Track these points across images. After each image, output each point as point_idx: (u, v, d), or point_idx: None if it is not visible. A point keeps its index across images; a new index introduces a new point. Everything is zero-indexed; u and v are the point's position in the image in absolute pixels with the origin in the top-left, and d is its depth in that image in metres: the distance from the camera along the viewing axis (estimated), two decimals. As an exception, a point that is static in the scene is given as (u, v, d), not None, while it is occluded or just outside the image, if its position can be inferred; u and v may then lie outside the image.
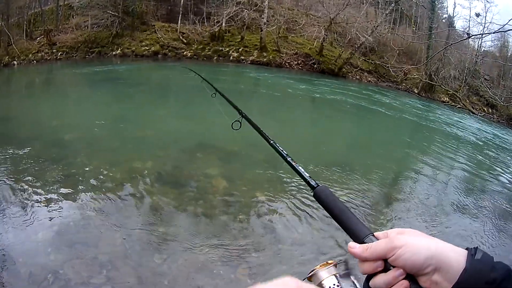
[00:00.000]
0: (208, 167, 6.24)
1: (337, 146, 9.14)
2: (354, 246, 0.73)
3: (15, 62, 18.64)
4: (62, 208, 4.43)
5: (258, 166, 6.39)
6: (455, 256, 0.64)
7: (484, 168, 9.68)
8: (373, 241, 0.73)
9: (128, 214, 4.46)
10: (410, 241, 0.67)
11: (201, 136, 8.08)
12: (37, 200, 4.57)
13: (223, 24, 24.60)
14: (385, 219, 5.35)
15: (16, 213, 4.26)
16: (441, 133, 13.88)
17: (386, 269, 0.68)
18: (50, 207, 4.42)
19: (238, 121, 1.89)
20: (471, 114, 24.43)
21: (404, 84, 27.08)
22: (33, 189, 4.83)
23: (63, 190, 4.86)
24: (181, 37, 23.85)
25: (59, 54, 20.36)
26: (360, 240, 0.74)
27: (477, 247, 0.66)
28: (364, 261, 0.71)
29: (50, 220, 4.14)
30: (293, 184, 5.79)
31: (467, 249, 0.66)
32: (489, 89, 26.13)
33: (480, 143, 13.97)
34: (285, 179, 5.94)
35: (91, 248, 3.75)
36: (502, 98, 25.00)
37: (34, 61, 19.49)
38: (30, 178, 5.15)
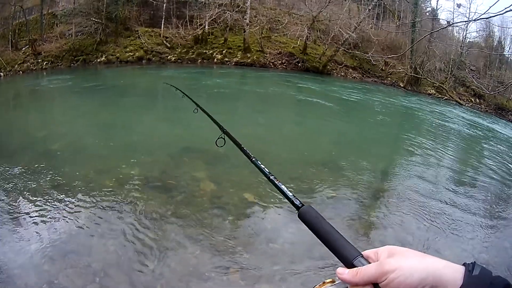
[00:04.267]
0: (195, 170, 6.37)
1: (323, 145, 9.20)
2: (343, 272, 0.72)
3: (1, 74, 18.90)
4: (53, 218, 4.50)
5: (245, 167, 6.28)
6: (451, 273, 0.64)
7: (476, 159, 9.96)
8: (362, 264, 0.72)
9: (119, 221, 4.52)
10: (402, 264, 0.66)
11: (187, 140, 8.21)
12: (29, 212, 4.64)
13: (206, 27, 24.98)
14: (376, 218, 5.34)
15: (8, 226, 4.35)
16: (429, 126, 14.01)
17: None
18: (42, 218, 4.49)
19: (222, 137, 1.93)
20: (459, 105, 24.57)
21: (389, 78, 27.30)
22: (24, 201, 4.91)
23: (53, 201, 4.92)
24: (164, 42, 24.24)
25: (44, 63, 20.58)
26: (349, 263, 0.74)
27: (474, 262, 0.65)
28: (355, 285, 0.71)
29: (42, 232, 4.22)
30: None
31: (464, 264, 0.65)
32: (476, 79, 26.16)
33: (469, 133, 14.21)
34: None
35: (84, 257, 3.83)
36: (489, 88, 25.09)
37: (20, 71, 19.74)
38: (20, 190, 5.22)
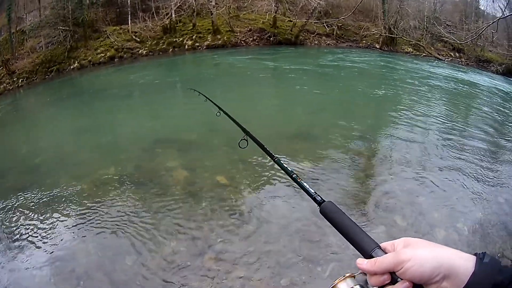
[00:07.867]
0: (168, 160, 6.38)
1: (301, 116, 9.13)
2: (362, 262, 0.77)
3: (-21, 100, 19.16)
4: (39, 232, 4.65)
5: (218, 150, 6.39)
6: (462, 262, 0.68)
7: (463, 113, 10.02)
8: (379, 254, 0.77)
9: (97, 223, 4.64)
10: (416, 254, 0.71)
11: (159, 131, 8.36)
12: (16, 230, 4.80)
13: (173, 15, 25.14)
14: (361, 184, 5.33)
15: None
16: (410, 84, 13.89)
17: (394, 281, 0.73)
18: (28, 234, 4.65)
19: (245, 139, 1.91)
20: (438, 60, 24.49)
21: (364, 41, 27.19)
22: (11, 219, 5.09)
23: (37, 215, 5.08)
24: (134, 37, 24.65)
25: (20, 81, 21.52)
26: (367, 254, 0.79)
27: (485, 252, 0.69)
28: (373, 274, 0.76)
29: (29, 246, 4.41)
30: (253, 162, 5.78)
31: (475, 254, 0.70)
32: (452, 34, 25.57)
33: (452, 88, 14.26)
34: (245, 158, 5.93)
35: (69, 263, 4.00)
36: (469, 40, 24.59)
37: (-2, 94, 20.36)
38: (7, 210, 5.38)
